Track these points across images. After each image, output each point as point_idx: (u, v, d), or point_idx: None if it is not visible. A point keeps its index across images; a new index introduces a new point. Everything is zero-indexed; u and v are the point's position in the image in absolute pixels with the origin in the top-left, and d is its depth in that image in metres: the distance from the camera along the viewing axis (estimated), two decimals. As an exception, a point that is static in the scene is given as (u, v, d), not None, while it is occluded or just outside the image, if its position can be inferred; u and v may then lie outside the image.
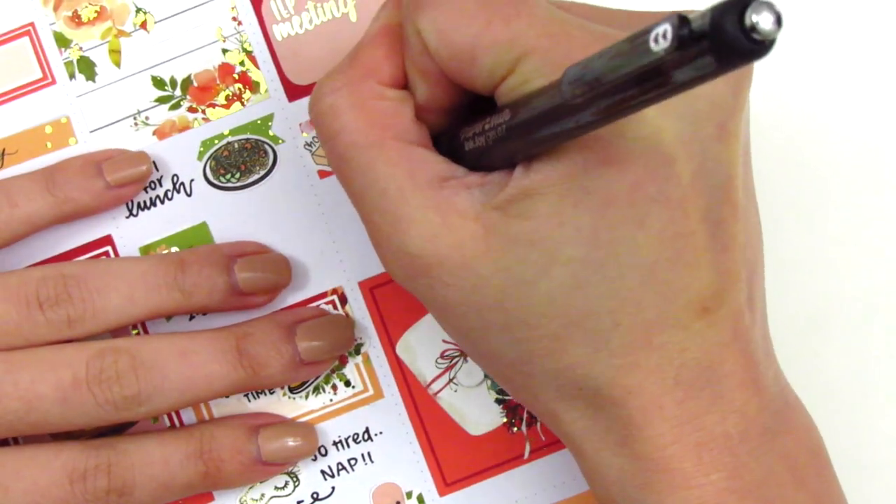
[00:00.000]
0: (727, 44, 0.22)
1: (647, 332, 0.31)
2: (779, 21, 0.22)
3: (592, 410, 0.32)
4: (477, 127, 0.32)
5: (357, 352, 0.41)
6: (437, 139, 0.34)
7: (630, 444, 0.31)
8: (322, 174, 0.42)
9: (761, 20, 0.22)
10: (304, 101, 0.42)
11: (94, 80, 0.42)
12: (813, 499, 0.32)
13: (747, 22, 0.22)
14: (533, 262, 0.30)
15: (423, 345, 0.42)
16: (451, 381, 0.41)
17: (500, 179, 0.32)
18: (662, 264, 0.30)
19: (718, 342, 0.31)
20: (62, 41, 0.42)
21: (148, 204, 0.42)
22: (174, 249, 0.41)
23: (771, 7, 0.22)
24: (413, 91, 0.34)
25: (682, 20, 0.23)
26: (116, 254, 0.41)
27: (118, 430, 0.41)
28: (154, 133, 0.42)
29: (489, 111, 0.32)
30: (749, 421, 0.31)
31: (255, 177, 0.42)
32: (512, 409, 0.41)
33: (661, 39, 0.23)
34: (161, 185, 0.42)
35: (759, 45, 0.22)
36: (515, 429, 0.41)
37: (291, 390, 0.41)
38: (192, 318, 0.41)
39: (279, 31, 0.42)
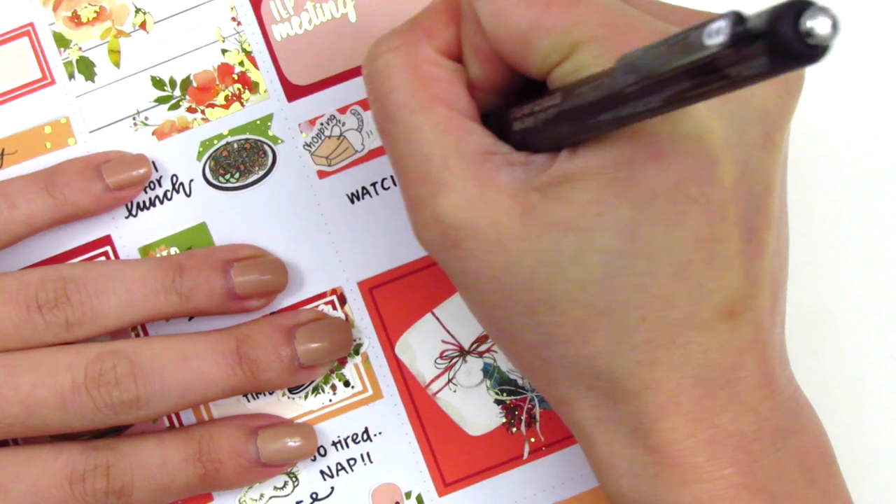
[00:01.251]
0: (782, 46, 0.22)
1: (671, 331, 0.31)
2: (835, 27, 0.22)
3: (607, 401, 0.32)
4: (526, 108, 0.32)
5: (356, 352, 0.41)
6: (485, 118, 0.34)
7: (643, 437, 0.31)
8: (321, 174, 0.42)
9: (817, 25, 0.22)
10: (304, 102, 0.42)
11: (93, 81, 0.42)
12: (822, 496, 0.32)
13: (803, 26, 0.22)
14: (567, 248, 0.30)
15: (422, 345, 0.42)
16: (450, 381, 0.42)
17: (545, 161, 0.31)
18: (696, 265, 0.30)
19: (740, 346, 0.31)
20: (61, 41, 0.42)
21: (147, 204, 0.42)
22: (174, 250, 0.41)
23: (828, 13, 0.22)
24: (466, 67, 0.34)
25: (738, 18, 0.23)
26: (116, 254, 0.41)
27: (117, 430, 0.41)
28: (153, 133, 0.42)
29: (540, 94, 0.32)
30: (763, 420, 0.31)
31: (255, 177, 0.42)
32: (511, 410, 0.41)
33: (716, 35, 0.23)
34: (160, 186, 0.42)
35: (813, 50, 0.22)
36: (514, 429, 0.41)
37: (290, 391, 0.41)
38: (190, 318, 0.41)
39: (278, 32, 0.42)
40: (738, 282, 0.31)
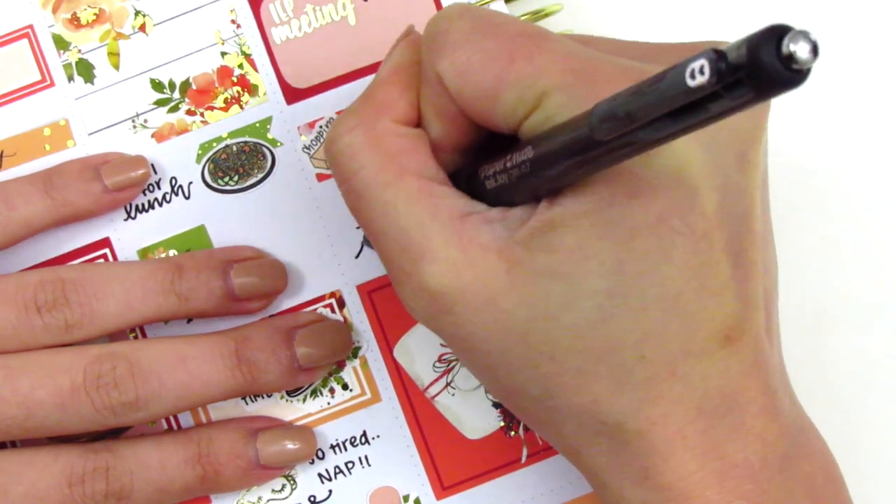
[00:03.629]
0: (765, 74, 0.22)
1: (670, 364, 0.31)
2: (815, 50, 0.22)
3: (615, 444, 0.32)
4: (498, 165, 0.32)
5: (355, 355, 0.41)
6: (453, 177, 0.34)
7: (653, 476, 0.31)
8: (320, 177, 0.42)
9: (798, 49, 0.22)
10: (303, 105, 0.42)
11: (92, 83, 0.42)
12: None
13: (784, 51, 0.22)
14: (557, 295, 0.30)
15: (420, 348, 0.42)
16: (448, 384, 0.42)
17: (523, 214, 0.32)
18: (687, 295, 0.30)
19: (740, 370, 0.31)
20: (61, 43, 0.42)
21: (146, 206, 0.42)
22: (172, 252, 0.41)
23: (807, 36, 0.22)
24: (427, 130, 0.34)
25: (718, 54, 0.23)
26: (115, 256, 0.41)
27: (116, 432, 0.41)
28: (152, 136, 0.42)
29: (507, 147, 0.32)
30: (769, 447, 0.31)
31: (254, 180, 0.42)
32: (509, 414, 0.41)
33: (699, 74, 0.23)
34: (159, 188, 0.42)
35: (796, 75, 0.22)
36: (513, 433, 0.41)
37: (289, 393, 0.41)
38: (189, 320, 0.41)
39: (278, 35, 0.42)
40: (731, 306, 0.31)
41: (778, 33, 0.22)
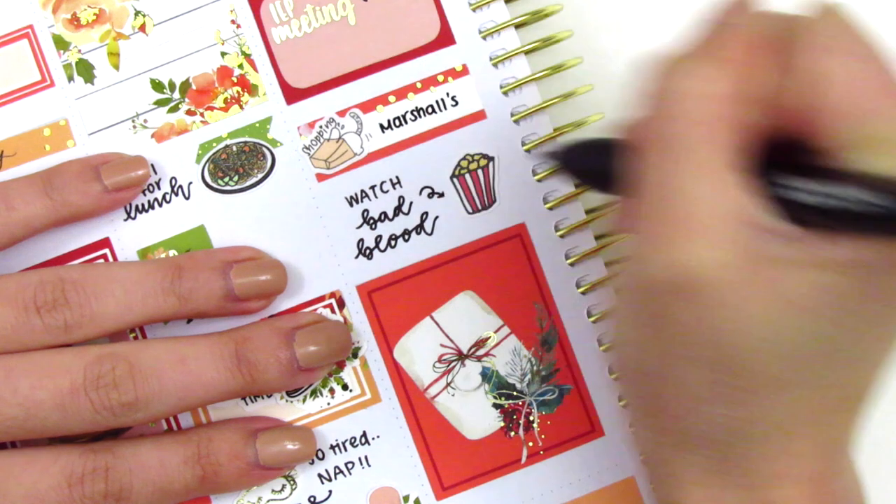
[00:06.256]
0: None
1: (819, 415, 0.32)
2: None
3: (720, 477, 0.32)
4: (814, 185, 0.30)
5: (355, 356, 0.41)
6: None
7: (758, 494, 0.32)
8: (320, 177, 0.42)
9: None
10: (303, 105, 0.42)
11: (92, 83, 0.42)
12: None
13: None
14: (791, 327, 0.30)
15: (420, 349, 0.42)
16: (448, 385, 0.42)
17: (803, 237, 0.30)
18: (878, 369, 0.32)
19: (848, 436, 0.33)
20: (61, 44, 0.42)
21: (146, 207, 0.42)
22: (172, 252, 0.41)
23: None
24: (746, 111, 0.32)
25: None
26: (115, 257, 0.41)
27: (116, 432, 0.41)
28: (152, 136, 0.42)
29: (819, 171, 0.30)
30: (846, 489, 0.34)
31: (253, 180, 0.42)
32: (509, 414, 0.41)
33: None
34: (159, 188, 0.42)
35: None
36: (513, 433, 0.41)
37: (289, 394, 0.41)
38: (189, 321, 0.41)
39: (278, 35, 0.42)
40: (875, 384, 0.32)
41: None
